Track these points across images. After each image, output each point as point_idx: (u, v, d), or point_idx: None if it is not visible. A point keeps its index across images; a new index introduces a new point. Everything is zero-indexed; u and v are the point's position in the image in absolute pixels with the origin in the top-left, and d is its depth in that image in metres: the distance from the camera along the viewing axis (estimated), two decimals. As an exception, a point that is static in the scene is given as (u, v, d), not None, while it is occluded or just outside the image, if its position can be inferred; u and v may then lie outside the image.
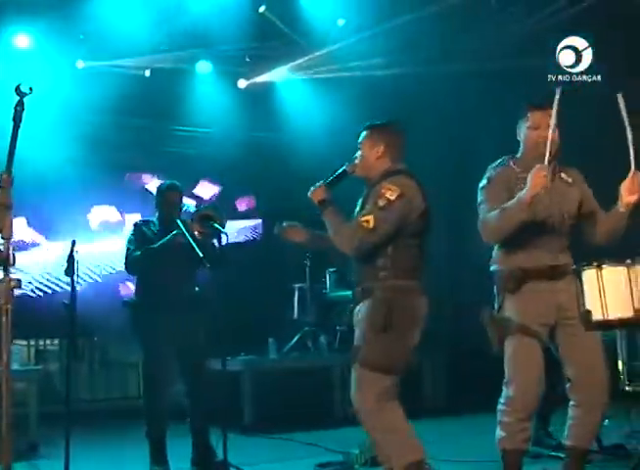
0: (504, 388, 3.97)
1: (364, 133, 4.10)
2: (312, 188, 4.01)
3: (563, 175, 4.09)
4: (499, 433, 3.97)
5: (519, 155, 4.10)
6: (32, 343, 9.14)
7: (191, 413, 5.55)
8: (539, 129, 3.95)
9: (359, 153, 4.08)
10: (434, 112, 9.48)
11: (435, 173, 7.48)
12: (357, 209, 4.02)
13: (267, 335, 8.26)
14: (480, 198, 4.03)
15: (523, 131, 4.07)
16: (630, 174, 3.84)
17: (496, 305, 4.02)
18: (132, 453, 6.02)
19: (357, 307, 3.95)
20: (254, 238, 10.68)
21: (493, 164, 4.11)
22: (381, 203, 3.82)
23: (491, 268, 4.09)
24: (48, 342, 9.32)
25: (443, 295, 9.71)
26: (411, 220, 3.90)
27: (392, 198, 3.82)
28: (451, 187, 8.78)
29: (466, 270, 9.24)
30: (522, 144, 4.09)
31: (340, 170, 4.06)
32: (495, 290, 4.05)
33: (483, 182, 4.06)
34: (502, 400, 3.96)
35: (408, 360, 3.90)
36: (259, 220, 10.67)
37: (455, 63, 8.93)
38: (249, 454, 5.80)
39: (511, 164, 4.06)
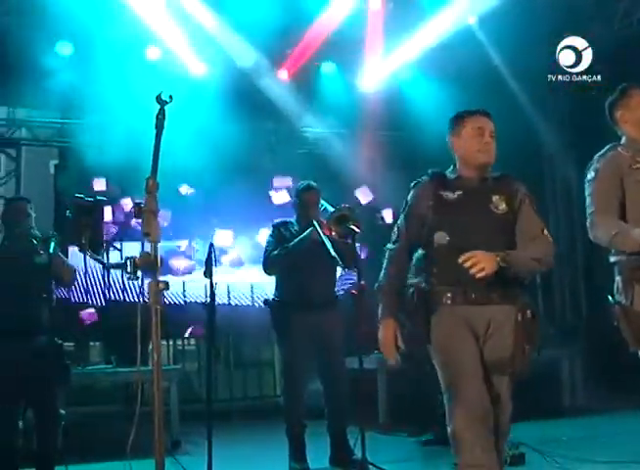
0: None
1: None
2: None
3: None
4: None
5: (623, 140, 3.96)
6: (171, 343, 9.40)
7: (329, 412, 5.60)
8: None
9: None
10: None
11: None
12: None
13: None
14: (587, 191, 3.91)
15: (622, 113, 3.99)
16: None
17: (624, 300, 3.76)
18: (271, 452, 6.10)
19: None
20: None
21: (600, 153, 3.95)
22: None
23: (612, 259, 3.86)
24: (185, 342, 9.57)
25: (578, 289, 9.53)
26: None
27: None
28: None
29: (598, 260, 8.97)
30: (624, 127, 3.98)
31: None
32: (620, 282, 3.81)
33: (591, 174, 3.92)
34: None
35: None
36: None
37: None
38: (386, 453, 5.81)
39: (619, 149, 3.91)
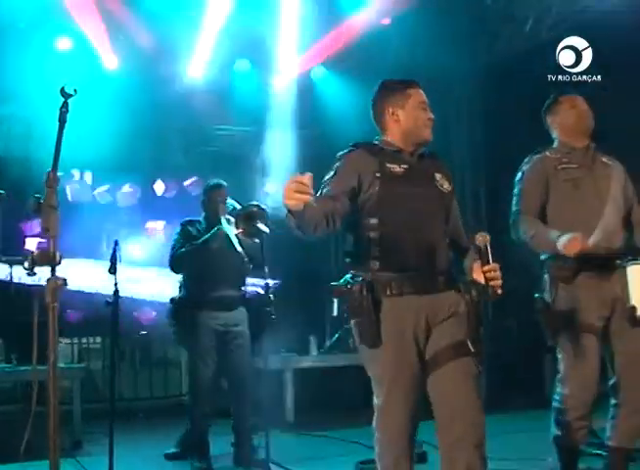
0: (559, 384, 3.92)
1: None
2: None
3: (604, 159, 4.09)
4: (556, 431, 3.92)
5: (555, 144, 4.14)
6: (76, 341, 9.23)
7: (233, 411, 5.58)
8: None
9: None
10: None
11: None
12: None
13: (308, 333, 8.27)
14: (514, 191, 4.06)
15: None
16: None
17: (549, 297, 3.94)
18: (175, 451, 6.05)
19: None
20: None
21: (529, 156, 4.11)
22: None
23: (542, 256, 4.03)
24: (91, 340, 9.41)
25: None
26: None
27: None
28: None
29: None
30: (555, 131, 4.15)
31: None
32: (547, 280, 3.98)
33: (519, 175, 4.09)
34: (557, 398, 3.91)
35: None
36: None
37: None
38: (291, 452, 5.81)
39: (547, 153, 4.08)
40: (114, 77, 8.92)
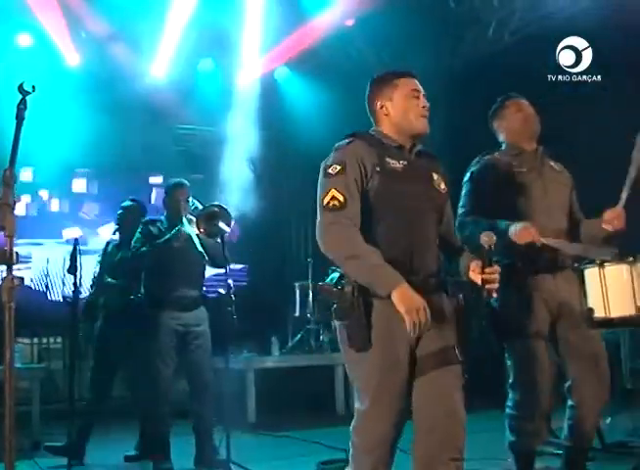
0: (510, 391, 3.93)
1: None
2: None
3: (552, 163, 4.13)
4: (510, 437, 3.93)
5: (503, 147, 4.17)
6: (36, 341, 9.14)
7: (194, 412, 5.55)
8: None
9: None
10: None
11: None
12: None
13: (270, 333, 8.27)
14: (462, 191, 4.07)
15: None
16: (617, 208, 3.87)
17: (495, 301, 3.86)
18: (135, 453, 6.01)
19: None
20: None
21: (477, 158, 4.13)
22: None
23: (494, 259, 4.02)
24: (52, 340, 9.32)
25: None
26: None
27: None
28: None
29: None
30: (501, 135, 4.18)
31: None
32: None
33: (467, 176, 4.10)
34: (510, 404, 3.91)
35: None
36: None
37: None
38: (252, 453, 5.80)
39: (495, 155, 4.11)
40: (75, 74, 8.85)
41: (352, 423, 3.07)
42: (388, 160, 3.09)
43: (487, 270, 3.03)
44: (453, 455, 3.00)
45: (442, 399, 3.03)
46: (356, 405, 3.07)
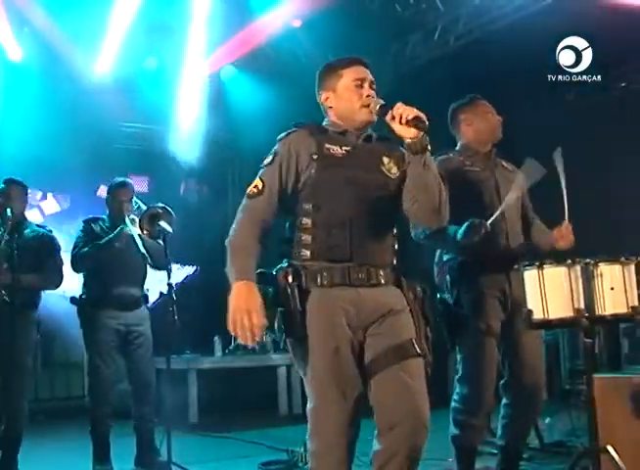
0: (458, 385, 3.97)
1: None
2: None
3: (504, 164, 4.18)
4: (454, 431, 3.98)
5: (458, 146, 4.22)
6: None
7: (135, 412, 5.51)
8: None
9: None
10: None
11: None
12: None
13: (213, 333, 8.23)
14: None
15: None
16: (564, 224, 3.98)
17: (449, 298, 3.97)
18: (76, 453, 5.92)
19: None
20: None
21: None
22: None
23: (444, 258, 4.07)
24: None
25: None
26: None
27: None
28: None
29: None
30: (464, 130, 4.21)
31: None
32: (448, 281, 4.00)
33: None
34: (457, 398, 3.96)
35: None
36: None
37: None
38: (193, 453, 5.78)
39: (450, 154, 4.14)
40: (17, 69, 8.70)
41: (307, 430, 2.94)
42: (327, 146, 3.02)
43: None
44: (411, 455, 2.86)
45: (402, 395, 2.88)
46: (307, 407, 2.95)
